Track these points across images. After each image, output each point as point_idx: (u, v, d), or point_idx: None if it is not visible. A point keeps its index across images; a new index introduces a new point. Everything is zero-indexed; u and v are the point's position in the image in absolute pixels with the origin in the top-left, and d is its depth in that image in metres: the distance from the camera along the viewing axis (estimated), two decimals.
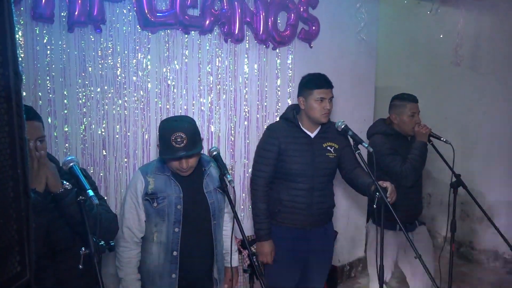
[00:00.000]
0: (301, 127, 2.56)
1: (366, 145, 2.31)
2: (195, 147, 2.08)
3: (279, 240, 2.54)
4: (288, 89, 3.44)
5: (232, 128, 3.19)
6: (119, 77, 2.64)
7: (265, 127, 2.70)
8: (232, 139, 3.20)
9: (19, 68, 0.86)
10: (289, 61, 3.44)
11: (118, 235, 2.08)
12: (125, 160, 2.71)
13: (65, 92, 2.46)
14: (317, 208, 2.56)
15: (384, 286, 2.43)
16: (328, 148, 2.58)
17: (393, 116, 2.89)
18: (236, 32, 3.04)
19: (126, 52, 2.65)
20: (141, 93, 2.73)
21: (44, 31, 2.36)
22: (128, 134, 2.71)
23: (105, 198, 2.45)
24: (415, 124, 2.82)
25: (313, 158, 2.53)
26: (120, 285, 2.13)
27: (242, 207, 3.26)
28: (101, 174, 2.62)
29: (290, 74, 3.44)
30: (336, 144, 2.60)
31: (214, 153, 2.10)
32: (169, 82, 2.83)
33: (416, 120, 2.83)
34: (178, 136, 2.02)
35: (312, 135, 2.57)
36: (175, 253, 2.13)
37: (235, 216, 1.96)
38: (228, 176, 2.00)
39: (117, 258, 2.13)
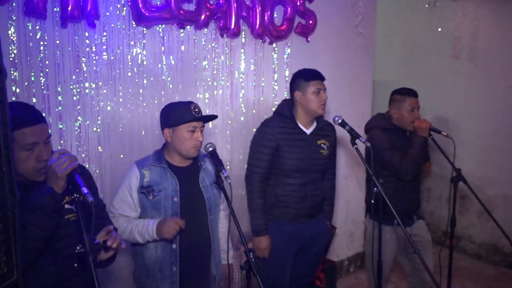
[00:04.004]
0: (297, 123, 2.59)
1: (364, 140, 2.30)
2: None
3: (274, 233, 2.58)
4: (285, 84, 3.41)
5: (229, 124, 3.16)
6: (114, 73, 2.61)
7: (262, 122, 2.69)
8: (228, 134, 3.18)
9: (3, 64, 0.84)
10: (286, 56, 3.42)
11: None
12: (121, 156, 2.68)
13: (59, 89, 2.43)
14: (310, 201, 2.62)
15: (382, 281, 2.42)
16: (322, 145, 2.64)
17: (393, 110, 2.87)
18: (232, 26, 3.00)
19: (120, 47, 2.61)
20: (136, 89, 2.70)
21: (37, 27, 2.32)
22: (124, 130, 2.68)
23: (101, 195, 2.43)
24: (415, 118, 2.80)
25: (308, 154, 2.58)
26: (145, 235, 2.08)
27: (239, 203, 3.23)
28: (97, 171, 2.60)
29: (287, 69, 3.42)
30: (328, 142, 2.67)
31: (210, 149, 2.08)
32: (164, 77, 2.80)
33: (415, 115, 2.81)
34: (196, 107, 2.14)
35: (308, 131, 2.62)
36: (174, 246, 2.12)
37: (232, 212, 1.94)
38: (225, 172, 1.98)
39: (119, 233, 2.08)
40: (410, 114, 2.81)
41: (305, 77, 2.55)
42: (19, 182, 1.58)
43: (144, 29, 2.69)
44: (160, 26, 2.75)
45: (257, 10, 3.11)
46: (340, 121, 2.43)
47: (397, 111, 2.85)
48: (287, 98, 2.72)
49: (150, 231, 2.05)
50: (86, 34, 2.48)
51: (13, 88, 2.27)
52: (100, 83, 2.56)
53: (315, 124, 2.64)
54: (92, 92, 2.54)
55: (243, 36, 3.14)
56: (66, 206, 1.69)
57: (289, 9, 3.30)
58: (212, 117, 2.26)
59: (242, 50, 3.16)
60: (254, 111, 3.27)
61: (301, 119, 2.60)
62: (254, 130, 2.73)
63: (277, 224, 2.61)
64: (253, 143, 2.63)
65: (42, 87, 2.37)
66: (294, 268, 2.72)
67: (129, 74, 2.67)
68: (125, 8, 2.60)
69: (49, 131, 1.65)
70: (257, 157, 2.57)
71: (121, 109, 2.66)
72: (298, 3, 3.35)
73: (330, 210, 2.84)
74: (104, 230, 1.64)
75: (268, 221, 2.59)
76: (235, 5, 2.98)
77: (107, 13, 2.55)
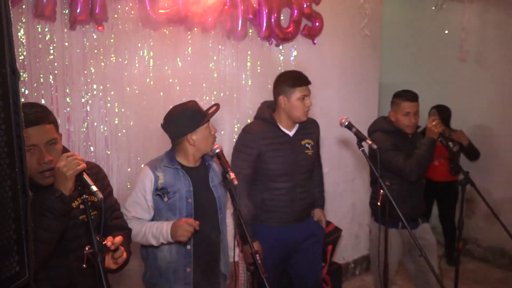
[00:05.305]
0: (280, 126, 2.55)
1: (370, 142, 2.30)
2: None
3: (263, 238, 2.52)
4: None
5: (235, 126, 3.17)
6: (121, 75, 2.63)
7: (243, 128, 2.62)
8: (235, 136, 3.19)
9: (16, 66, 0.85)
10: (292, 58, 3.42)
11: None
12: (128, 157, 2.70)
13: (67, 90, 2.45)
14: (299, 204, 2.59)
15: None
16: (307, 145, 2.61)
17: (391, 113, 2.88)
18: (239, 29, 3.02)
19: (128, 49, 2.63)
20: (143, 90, 2.72)
21: (46, 29, 2.35)
22: (130, 132, 2.70)
23: None
24: (411, 123, 2.78)
25: (294, 156, 2.55)
26: (158, 238, 2.08)
27: None
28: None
29: None
30: (312, 140, 2.63)
31: (217, 150, 2.10)
32: (171, 79, 2.82)
33: (410, 119, 2.78)
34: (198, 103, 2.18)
35: (291, 133, 2.58)
36: (188, 247, 2.14)
37: (239, 213, 1.96)
38: (231, 173, 2.00)
39: (132, 235, 2.05)
40: (405, 118, 2.80)
41: (290, 82, 2.48)
42: (30, 184, 1.59)
43: (152, 31, 2.70)
44: (167, 28, 2.76)
45: (264, 12, 3.12)
46: (346, 123, 2.42)
47: (394, 114, 2.86)
48: (267, 100, 2.66)
49: (165, 233, 2.05)
50: (95, 36, 2.51)
51: (22, 89, 2.29)
52: (108, 85, 2.58)
53: (297, 124, 2.60)
54: (100, 93, 2.57)
55: (250, 38, 3.15)
56: (81, 206, 1.69)
57: (295, 11, 3.31)
58: (217, 108, 2.23)
59: (249, 52, 3.17)
60: None
61: (284, 123, 2.55)
62: None
63: (265, 229, 2.56)
64: (235, 149, 2.55)
65: (51, 89, 2.40)
66: (295, 270, 2.71)
67: (137, 76, 2.68)
68: (133, 11, 2.62)
69: (55, 134, 1.61)
70: (239, 165, 2.48)
71: (128, 111, 2.67)
72: (305, 6, 3.36)
73: (321, 196, 2.82)
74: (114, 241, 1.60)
75: (256, 227, 2.54)
76: (242, 7, 2.99)
77: (115, 15, 2.57)
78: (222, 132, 3.12)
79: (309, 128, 2.65)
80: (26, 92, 2.31)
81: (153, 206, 2.14)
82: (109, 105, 2.60)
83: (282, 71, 3.15)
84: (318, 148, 2.77)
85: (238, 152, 2.54)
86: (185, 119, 2.12)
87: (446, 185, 4.35)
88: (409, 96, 2.81)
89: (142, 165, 2.36)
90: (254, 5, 3.09)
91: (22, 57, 2.29)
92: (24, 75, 2.29)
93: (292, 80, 2.49)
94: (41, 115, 1.57)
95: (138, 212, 2.13)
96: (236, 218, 2.14)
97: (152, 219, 2.17)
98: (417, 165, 2.71)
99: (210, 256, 2.24)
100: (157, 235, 2.07)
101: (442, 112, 4.32)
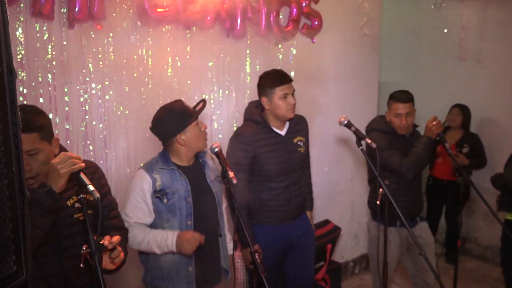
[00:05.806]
0: (271, 127, 2.54)
1: (369, 141, 2.30)
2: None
3: (262, 238, 2.51)
4: None
5: (235, 125, 3.17)
6: (120, 74, 2.62)
7: (235, 131, 2.61)
8: None
9: (13, 65, 0.85)
10: (291, 57, 3.42)
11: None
12: (126, 157, 2.69)
13: (65, 89, 2.44)
14: (294, 202, 2.60)
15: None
16: (299, 143, 2.61)
17: (387, 113, 2.89)
18: (238, 27, 3.01)
19: (126, 48, 2.62)
20: (142, 89, 2.72)
21: (44, 28, 2.34)
22: (129, 131, 2.69)
23: None
24: (402, 124, 2.77)
25: (288, 155, 2.55)
26: (161, 247, 2.07)
27: None
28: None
29: (292, 70, 3.42)
30: (303, 137, 2.64)
31: (216, 149, 2.10)
32: (170, 78, 2.81)
33: (402, 121, 2.77)
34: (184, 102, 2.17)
35: (283, 133, 2.57)
36: None
37: (238, 213, 1.96)
38: (230, 172, 2.00)
39: (135, 244, 2.08)
40: (395, 119, 2.80)
41: (270, 83, 2.46)
42: None
43: (150, 30, 2.70)
44: (166, 27, 2.76)
45: (263, 11, 3.11)
46: (345, 122, 2.42)
47: (388, 115, 2.87)
48: (253, 100, 2.65)
49: (170, 245, 2.05)
50: (93, 35, 2.50)
51: (21, 88, 2.29)
52: (106, 83, 2.58)
53: (287, 123, 2.60)
54: (99, 92, 2.56)
55: (249, 37, 3.15)
56: (76, 205, 1.69)
57: (294, 10, 3.30)
58: (204, 104, 2.22)
59: (248, 51, 3.16)
60: None
61: (273, 122, 2.54)
62: None
63: (264, 228, 2.56)
64: (228, 154, 2.50)
65: (49, 88, 2.39)
66: (291, 266, 2.71)
67: (135, 74, 2.68)
68: (131, 10, 2.61)
69: (37, 144, 1.57)
70: (234, 169, 2.38)
71: (127, 110, 2.67)
72: (304, 4, 3.36)
73: (310, 198, 2.81)
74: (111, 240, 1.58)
75: (255, 227, 2.53)
76: (240, 6, 2.98)
77: (114, 14, 2.56)
78: (221, 131, 3.11)
79: (299, 125, 2.66)
80: (25, 91, 2.30)
81: (153, 209, 2.13)
82: (107, 104, 2.60)
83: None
84: (308, 145, 2.77)
85: (231, 156, 2.47)
86: (172, 120, 2.11)
87: (451, 184, 4.35)
88: (401, 97, 2.79)
89: (142, 165, 2.36)
90: (253, 4, 3.08)
91: (20, 56, 2.28)
92: (22, 74, 2.29)
93: (271, 80, 2.47)
94: (24, 123, 1.54)
95: (139, 217, 2.12)
96: (235, 220, 2.13)
97: (153, 222, 2.16)
98: (414, 163, 2.70)
99: (211, 253, 2.25)
100: (161, 246, 2.07)
101: (466, 112, 4.30)
